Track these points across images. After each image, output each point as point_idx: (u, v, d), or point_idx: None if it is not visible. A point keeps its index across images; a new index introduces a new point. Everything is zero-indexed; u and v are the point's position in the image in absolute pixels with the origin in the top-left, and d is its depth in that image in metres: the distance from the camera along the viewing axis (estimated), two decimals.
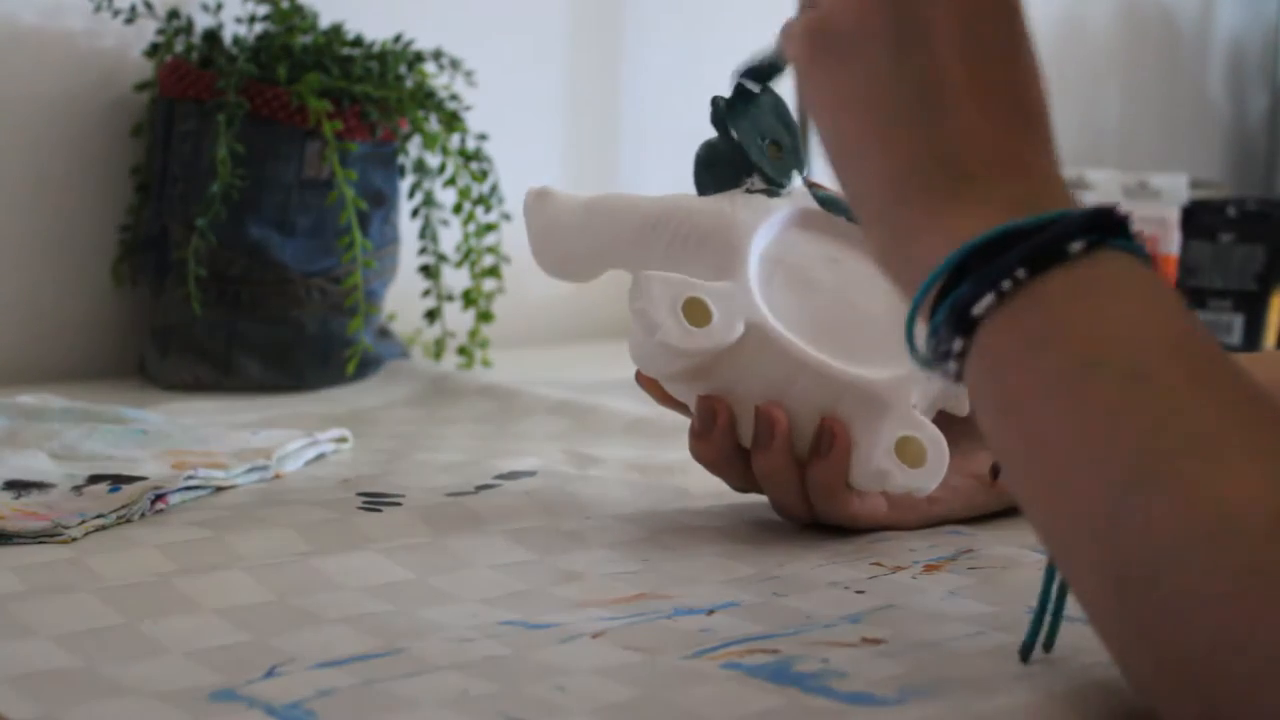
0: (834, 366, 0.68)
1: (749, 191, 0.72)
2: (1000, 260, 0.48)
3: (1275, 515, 0.41)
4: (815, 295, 0.71)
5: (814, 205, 0.73)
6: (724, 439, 0.70)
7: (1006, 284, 0.47)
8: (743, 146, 0.71)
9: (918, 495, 0.69)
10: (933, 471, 0.68)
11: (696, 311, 0.68)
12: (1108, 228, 0.48)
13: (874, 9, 0.52)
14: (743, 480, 0.72)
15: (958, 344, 0.49)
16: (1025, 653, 0.53)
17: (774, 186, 0.72)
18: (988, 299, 0.48)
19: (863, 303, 0.71)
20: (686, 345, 0.67)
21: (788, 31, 0.56)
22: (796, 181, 0.73)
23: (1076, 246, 0.47)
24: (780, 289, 0.70)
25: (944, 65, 0.51)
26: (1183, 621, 0.42)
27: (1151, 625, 0.43)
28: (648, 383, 0.72)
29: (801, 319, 0.70)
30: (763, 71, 0.71)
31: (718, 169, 0.72)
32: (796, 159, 0.73)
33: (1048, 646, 0.53)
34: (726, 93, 0.73)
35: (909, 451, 0.68)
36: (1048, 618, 0.53)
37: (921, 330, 0.50)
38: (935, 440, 0.69)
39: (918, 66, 0.52)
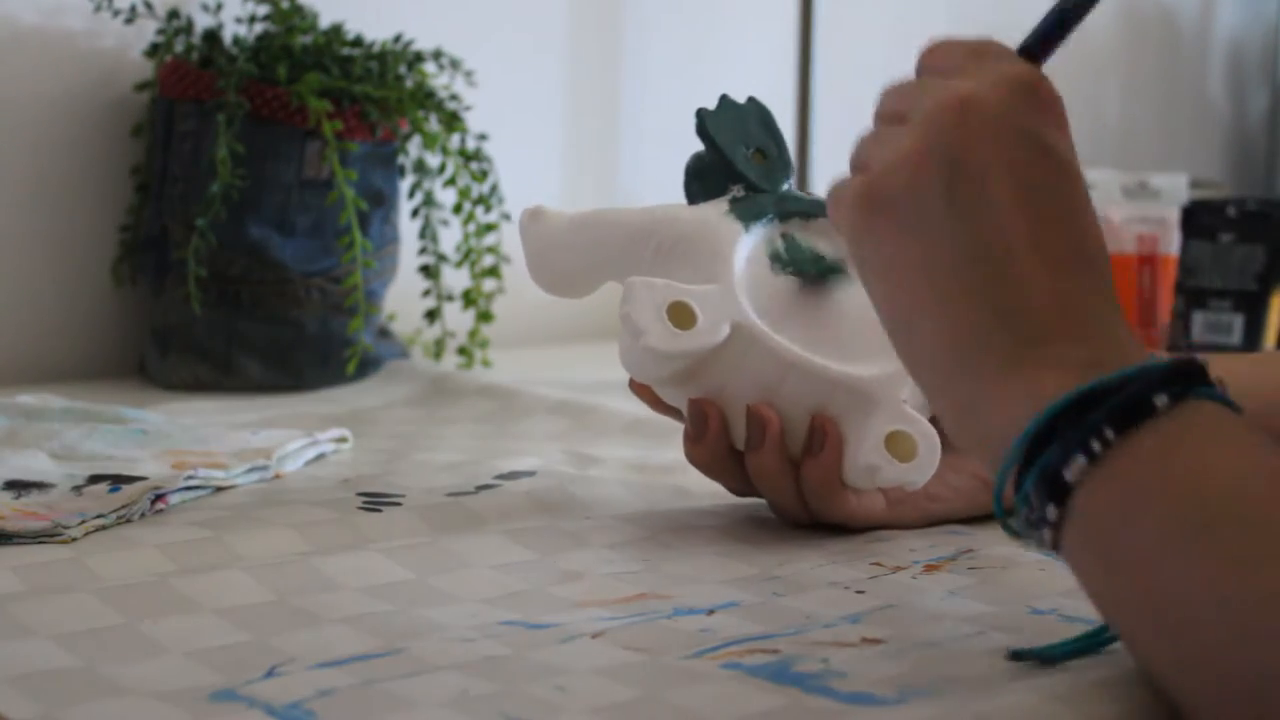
0: (822, 364, 0.69)
1: (734, 199, 0.72)
2: (1086, 420, 0.47)
3: None
4: (804, 295, 0.71)
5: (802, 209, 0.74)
6: (717, 442, 0.70)
7: (1096, 445, 0.46)
8: (726, 156, 0.73)
9: (910, 489, 0.70)
10: (923, 465, 0.69)
11: (681, 315, 0.68)
12: (1189, 378, 0.47)
13: (926, 170, 0.52)
14: (739, 482, 0.72)
15: (1052, 511, 0.47)
16: (1018, 657, 0.53)
17: (759, 193, 0.73)
18: (1079, 462, 0.46)
19: (850, 300, 0.71)
20: (672, 348, 0.68)
21: (836, 196, 0.56)
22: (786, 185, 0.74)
23: (1162, 400, 0.46)
24: (769, 290, 0.71)
25: (1002, 224, 0.51)
26: None
27: None
28: (640, 389, 0.72)
29: (791, 318, 0.70)
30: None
31: (706, 179, 0.74)
32: (783, 165, 0.74)
33: (1046, 661, 0.53)
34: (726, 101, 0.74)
35: (899, 446, 0.68)
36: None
37: (1008, 498, 0.49)
38: (926, 435, 0.69)
39: (975, 227, 0.51)
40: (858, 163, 0.56)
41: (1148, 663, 0.47)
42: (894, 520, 0.72)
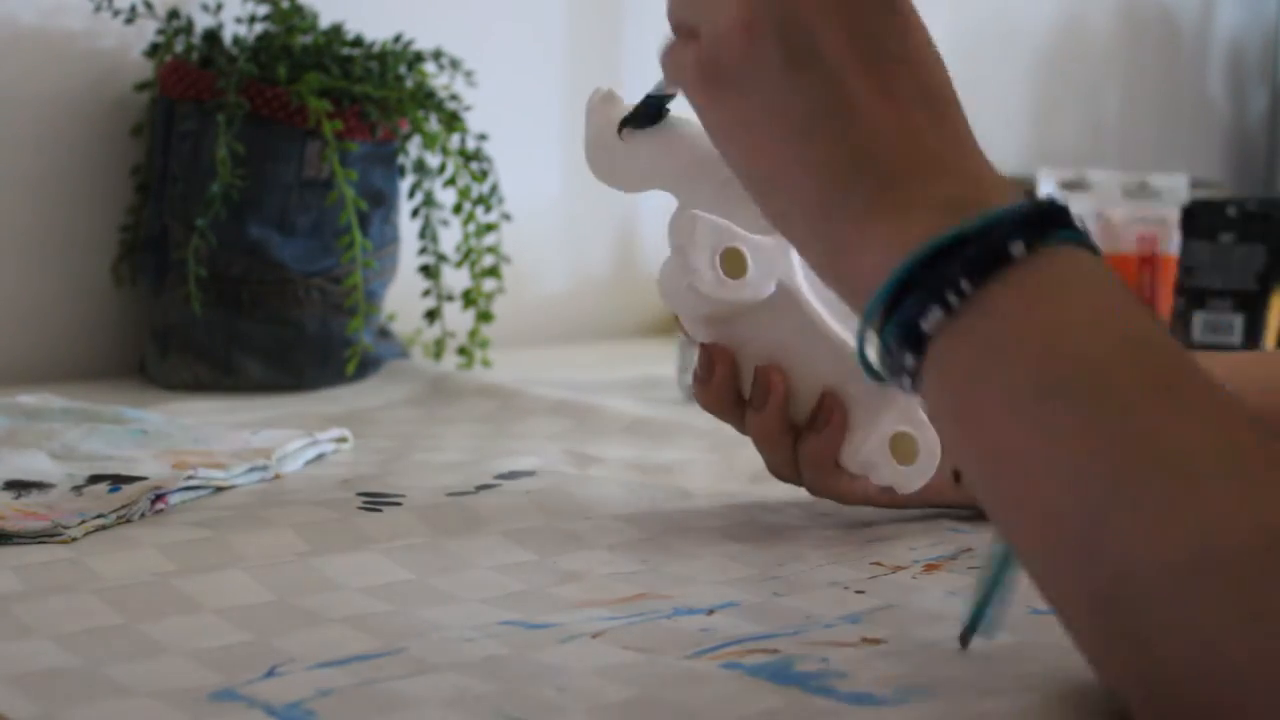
0: (852, 345, 0.69)
1: None
2: (942, 271, 0.46)
3: (1252, 540, 0.40)
4: None
5: None
6: (722, 389, 0.70)
7: (952, 297, 0.46)
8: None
9: (901, 492, 0.70)
10: (920, 472, 0.70)
11: (734, 262, 0.69)
12: (1049, 222, 0.46)
13: (758, 35, 0.52)
14: (745, 428, 0.72)
15: (909, 360, 0.48)
16: (966, 638, 0.53)
17: None
18: (935, 313, 0.46)
19: None
20: (718, 294, 0.68)
21: (672, 62, 0.57)
22: None
23: (1019, 248, 0.46)
24: None
25: (840, 74, 0.51)
26: (1160, 646, 0.41)
27: (1128, 645, 0.42)
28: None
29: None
30: (658, 102, 0.70)
31: None
32: None
33: (990, 633, 0.53)
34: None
35: (902, 448, 0.69)
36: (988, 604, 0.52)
37: (873, 345, 0.50)
38: (930, 444, 0.69)
39: (814, 81, 0.51)
40: (680, 25, 0.56)
41: (990, 510, 0.47)
42: (885, 503, 0.73)
